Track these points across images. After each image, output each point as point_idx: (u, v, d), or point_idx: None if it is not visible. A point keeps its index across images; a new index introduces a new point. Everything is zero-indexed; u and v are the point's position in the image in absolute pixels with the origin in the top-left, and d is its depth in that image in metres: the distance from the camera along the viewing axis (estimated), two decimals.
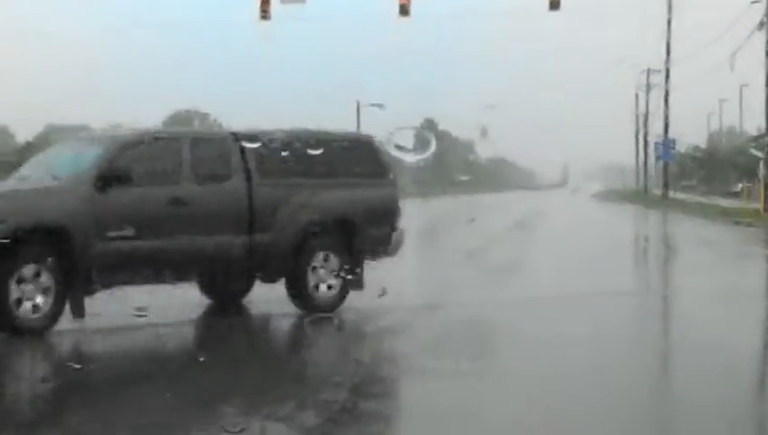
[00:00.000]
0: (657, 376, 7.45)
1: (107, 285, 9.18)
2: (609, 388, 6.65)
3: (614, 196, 61.44)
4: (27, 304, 8.75)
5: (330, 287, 10.27)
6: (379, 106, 26.63)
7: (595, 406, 6.17)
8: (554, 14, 30.81)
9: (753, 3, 35.78)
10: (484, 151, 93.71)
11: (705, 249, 19.88)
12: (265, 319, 10.75)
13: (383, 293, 9.16)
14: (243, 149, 10.33)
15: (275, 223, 10.18)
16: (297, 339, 10.01)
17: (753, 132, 54.64)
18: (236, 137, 10.54)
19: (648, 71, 60.71)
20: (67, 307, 8.93)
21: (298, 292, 10.22)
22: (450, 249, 17.39)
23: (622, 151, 75.51)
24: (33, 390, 7.32)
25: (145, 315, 8.39)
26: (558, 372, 7.03)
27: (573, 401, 6.26)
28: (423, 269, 14.78)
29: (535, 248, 19.62)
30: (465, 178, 68.37)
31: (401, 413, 6.55)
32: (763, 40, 34.82)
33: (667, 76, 52.91)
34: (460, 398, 6.34)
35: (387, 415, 6.36)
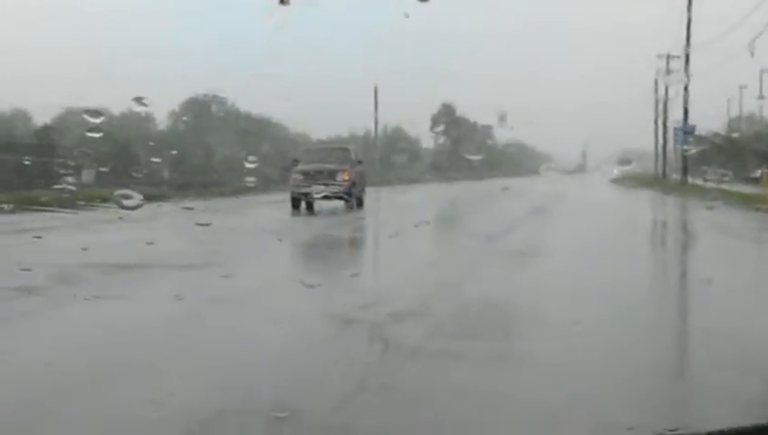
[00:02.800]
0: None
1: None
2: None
3: (631, 181, 61.15)
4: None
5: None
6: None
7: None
8: None
9: None
10: (502, 136, 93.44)
11: (725, 236, 19.78)
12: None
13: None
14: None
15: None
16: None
17: None
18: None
19: (668, 56, 60.37)
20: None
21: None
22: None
23: (641, 136, 75.17)
24: None
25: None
26: None
27: None
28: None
29: (554, 235, 19.56)
30: (477, 157, 68.94)
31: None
32: None
33: (687, 62, 52.60)
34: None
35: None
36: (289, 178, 30.01)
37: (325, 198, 28.77)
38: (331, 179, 28.92)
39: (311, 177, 28.93)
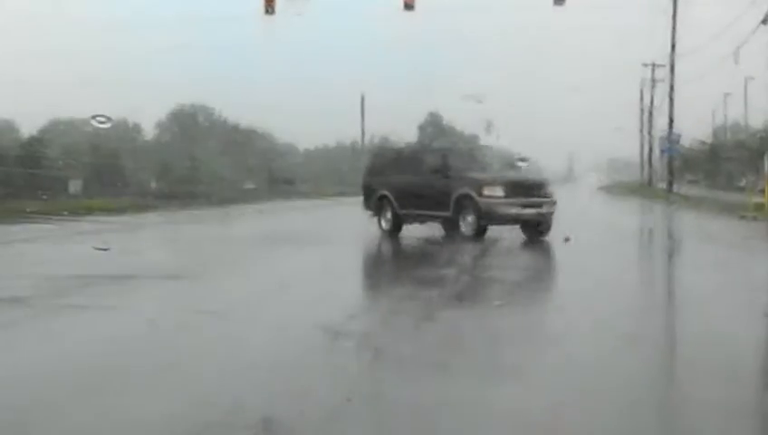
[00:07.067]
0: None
1: None
2: None
3: (618, 189, 61.33)
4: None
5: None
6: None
7: None
8: (559, 8, 30.74)
9: None
10: (488, 145, 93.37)
11: (709, 244, 19.87)
12: None
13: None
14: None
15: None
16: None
17: (758, 126, 54.50)
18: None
19: (653, 65, 60.65)
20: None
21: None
22: None
23: (628, 145, 75.47)
24: None
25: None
26: None
27: None
28: None
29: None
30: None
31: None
32: None
33: (672, 70, 52.79)
34: None
35: None
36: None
37: (523, 223, 19.16)
38: (540, 197, 19.28)
39: (517, 192, 18.99)
